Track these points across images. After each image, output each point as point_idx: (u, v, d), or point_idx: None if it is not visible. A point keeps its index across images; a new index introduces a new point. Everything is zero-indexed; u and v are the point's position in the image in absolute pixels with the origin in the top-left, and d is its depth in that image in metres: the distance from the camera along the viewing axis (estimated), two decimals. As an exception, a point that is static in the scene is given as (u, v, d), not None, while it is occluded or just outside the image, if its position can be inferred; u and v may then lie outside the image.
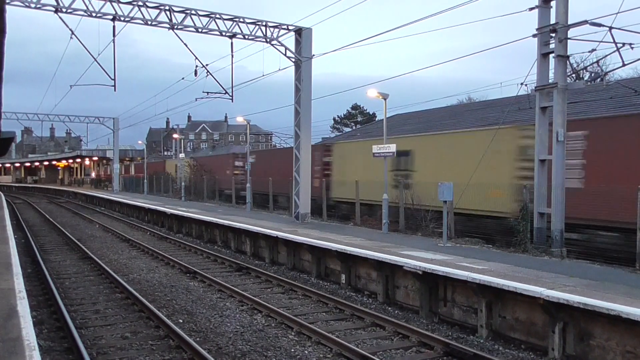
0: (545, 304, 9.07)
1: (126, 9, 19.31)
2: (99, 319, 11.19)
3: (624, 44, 13.87)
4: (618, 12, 13.32)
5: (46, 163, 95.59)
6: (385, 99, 19.13)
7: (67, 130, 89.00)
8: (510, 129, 17.78)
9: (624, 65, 14.28)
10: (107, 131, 59.60)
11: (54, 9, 18.58)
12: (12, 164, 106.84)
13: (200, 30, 20.64)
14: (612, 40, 13.74)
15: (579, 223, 14.59)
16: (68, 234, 25.06)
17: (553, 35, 14.40)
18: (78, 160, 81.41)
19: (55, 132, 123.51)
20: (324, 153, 28.49)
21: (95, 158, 73.83)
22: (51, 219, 33.29)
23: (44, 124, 53.93)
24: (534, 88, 15.39)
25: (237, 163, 42.20)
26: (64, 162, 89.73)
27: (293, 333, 10.27)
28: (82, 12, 18.96)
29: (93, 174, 79.79)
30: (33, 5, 18.38)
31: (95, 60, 20.33)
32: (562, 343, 9.10)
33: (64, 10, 18.72)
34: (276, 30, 21.91)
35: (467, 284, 10.61)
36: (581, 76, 29.11)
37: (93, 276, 15.88)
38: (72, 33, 19.68)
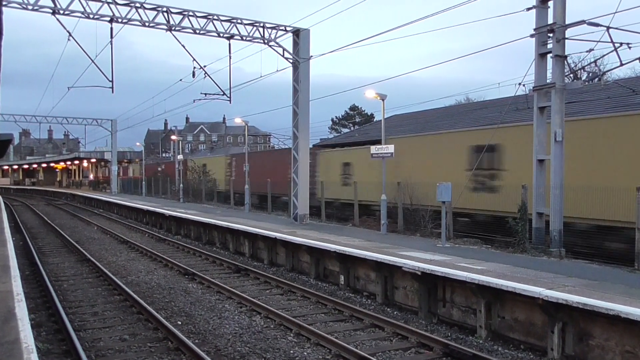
0: (544, 304, 9.07)
1: (124, 10, 19.29)
2: (97, 321, 11.16)
3: (621, 44, 13.87)
4: (616, 12, 13.33)
5: (44, 165, 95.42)
6: (383, 100, 19.12)
7: (65, 132, 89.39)
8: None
9: (621, 65, 14.31)
10: (105, 133, 59.62)
11: (51, 11, 18.56)
12: (10, 166, 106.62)
13: (198, 31, 20.62)
14: (609, 40, 13.75)
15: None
16: (66, 236, 25.01)
17: (551, 35, 14.41)
18: (76, 162, 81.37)
19: (53, 134, 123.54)
20: (185, 165, 47.70)
21: (93, 160, 73.76)
22: (49, 221, 33.23)
23: (41, 126, 53.92)
24: (531, 88, 15.41)
25: (158, 168, 53.09)
26: (62, 164, 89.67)
27: (292, 334, 10.26)
28: (79, 14, 18.93)
29: (91, 176, 79.68)
30: (30, 7, 18.35)
31: (93, 62, 20.32)
32: (561, 343, 9.09)
33: (61, 12, 18.69)
34: (274, 31, 21.91)
35: (466, 284, 10.60)
36: (579, 76, 29.18)
37: (91, 278, 15.85)
38: (70, 35, 19.64)
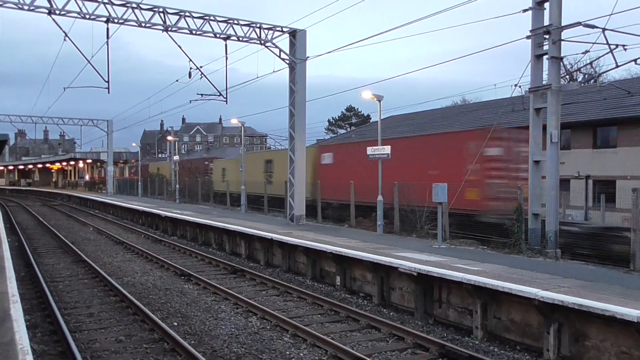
0: (540, 305, 9.08)
1: (120, 10, 19.26)
2: (93, 322, 11.13)
3: (617, 46, 13.93)
4: (611, 14, 13.38)
5: (40, 166, 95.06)
6: (379, 101, 19.15)
7: (60, 132, 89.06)
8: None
9: (617, 66, 14.38)
10: (101, 134, 59.61)
11: (47, 11, 18.50)
12: (6, 166, 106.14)
13: (194, 32, 20.59)
14: (605, 42, 13.81)
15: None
16: (62, 237, 24.93)
17: (547, 36, 14.45)
18: (72, 162, 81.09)
19: (49, 134, 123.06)
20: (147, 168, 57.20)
21: (89, 161, 73.57)
22: (45, 222, 33.12)
23: (37, 126, 53.75)
24: (527, 90, 15.45)
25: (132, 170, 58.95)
26: (57, 165, 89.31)
27: (288, 335, 10.25)
28: (75, 14, 18.89)
29: (87, 177, 79.46)
30: (26, 7, 18.29)
31: (89, 62, 20.26)
32: (557, 344, 9.12)
33: (57, 12, 18.64)
34: (270, 32, 21.90)
35: (462, 285, 10.61)
36: (575, 78, 29.25)
37: (87, 279, 15.80)
38: (66, 35, 19.60)
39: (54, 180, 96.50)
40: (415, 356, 9.28)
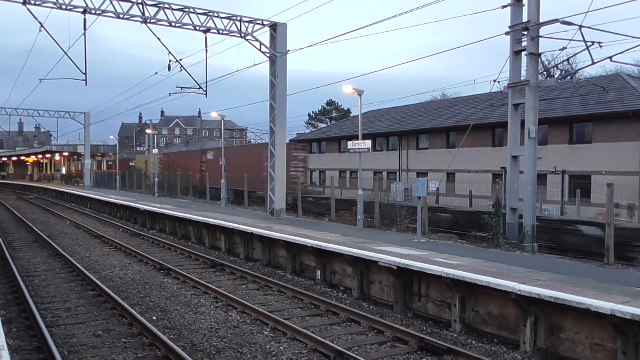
0: (517, 298, 9.22)
1: (97, 1, 18.93)
2: (70, 317, 11.00)
3: (593, 43, 14.16)
4: (588, 11, 13.59)
5: (14, 158, 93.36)
6: (360, 95, 19.19)
7: (36, 124, 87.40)
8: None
9: (593, 63, 14.63)
10: (78, 126, 58.72)
11: (22, 1, 18.12)
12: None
13: (173, 24, 20.34)
14: (582, 39, 14.02)
15: None
16: (38, 231, 24.55)
17: (525, 33, 14.62)
18: (48, 155, 79.87)
19: (24, 126, 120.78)
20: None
21: (65, 153, 72.51)
22: (20, 216, 32.56)
23: (11, 118, 52.70)
24: (506, 85, 15.62)
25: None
26: (33, 158, 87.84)
27: (268, 329, 10.26)
28: (51, 4, 18.51)
29: (63, 170, 78.28)
30: (0, -3, 17.90)
31: (66, 53, 19.91)
32: (534, 336, 9.27)
33: (32, 2, 18.26)
34: (251, 25, 21.75)
35: (441, 279, 10.72)
36: (552, 74, 29.64)
37: (64, 273, 15.60)
38: (41, 25, 19.23)
39: (29, 173, 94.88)
40: (395, 349, 9.36)
